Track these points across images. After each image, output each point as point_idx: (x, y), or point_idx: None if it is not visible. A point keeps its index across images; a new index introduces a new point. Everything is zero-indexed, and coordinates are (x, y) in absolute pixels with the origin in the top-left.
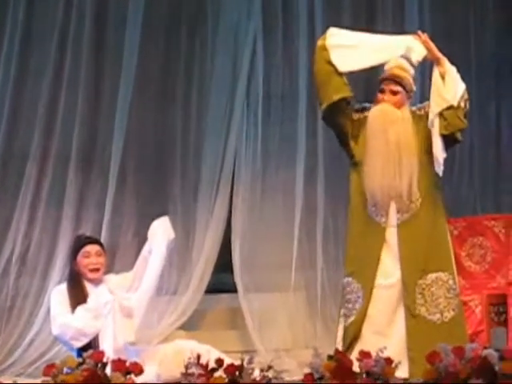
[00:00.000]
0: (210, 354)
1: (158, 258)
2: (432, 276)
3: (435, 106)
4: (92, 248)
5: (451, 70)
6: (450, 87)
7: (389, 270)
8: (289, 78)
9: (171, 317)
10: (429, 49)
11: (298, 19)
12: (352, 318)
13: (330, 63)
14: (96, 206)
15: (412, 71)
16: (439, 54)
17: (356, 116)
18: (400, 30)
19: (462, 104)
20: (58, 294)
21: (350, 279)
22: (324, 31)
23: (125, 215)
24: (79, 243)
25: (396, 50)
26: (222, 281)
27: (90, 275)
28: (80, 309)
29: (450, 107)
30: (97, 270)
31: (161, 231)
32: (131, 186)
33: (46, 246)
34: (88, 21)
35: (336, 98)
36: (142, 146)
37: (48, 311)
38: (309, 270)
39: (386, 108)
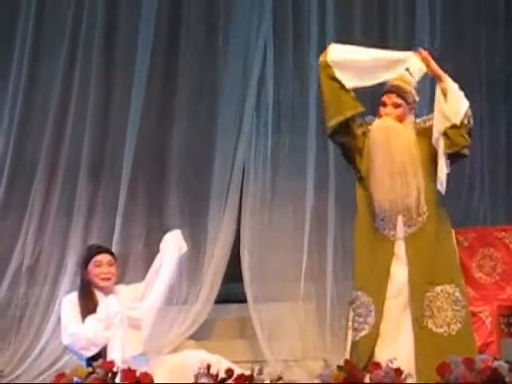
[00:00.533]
0: (219, 364)
1: (167, 269)
2: (438, 289)
3: (438, 124)
4: (103, 257)
5: (453, 87)
6: (451, 104)
7: (398, 281)
8: (299, 87)
9: (181, 327)
10: (428, 66)
11: (308, 30)
12: (363, 333)
13: (335, 79)
14: (106, 217)
15: (414, 82)
16: (440, 71)
17: (360, 130)
18: (410, 47)
19: (466, 121)
20: (68, 303)
21: (359, 293)
22: (335, 41)
23: (135, 227)
24: (90, 252)
25: (397, 66)
26: (231, 291)
27: (102, 283)
28: (90, 318)
29: (454, 126)
30: (108, 279)
31: (173, 244)
32: (141, 198)
33: (56, 256)
34: (98, 34)
35: (349, 114)
36: (151, 157)
37: (58, 321)
38: (318, 281)
39: (388, 122)
